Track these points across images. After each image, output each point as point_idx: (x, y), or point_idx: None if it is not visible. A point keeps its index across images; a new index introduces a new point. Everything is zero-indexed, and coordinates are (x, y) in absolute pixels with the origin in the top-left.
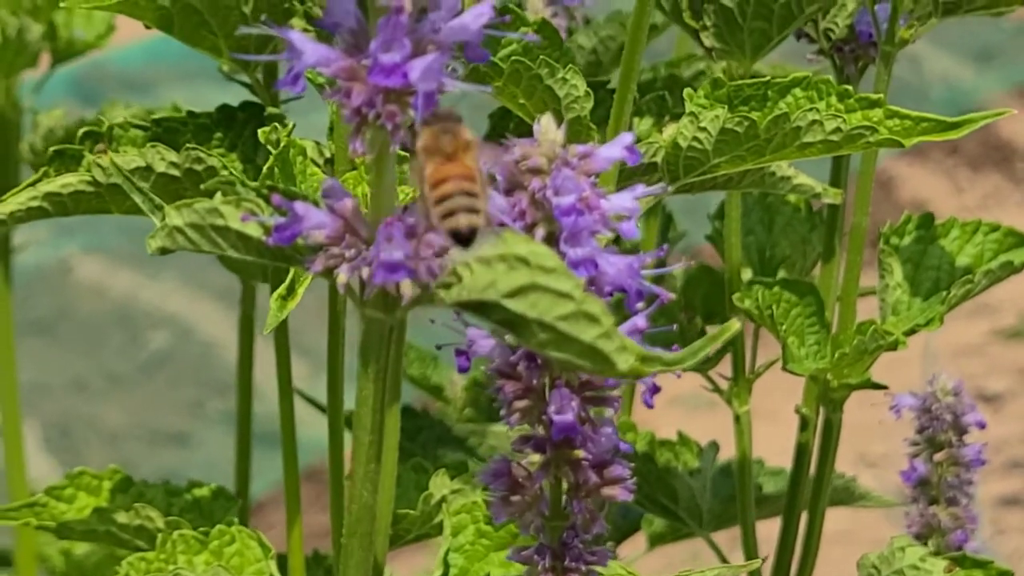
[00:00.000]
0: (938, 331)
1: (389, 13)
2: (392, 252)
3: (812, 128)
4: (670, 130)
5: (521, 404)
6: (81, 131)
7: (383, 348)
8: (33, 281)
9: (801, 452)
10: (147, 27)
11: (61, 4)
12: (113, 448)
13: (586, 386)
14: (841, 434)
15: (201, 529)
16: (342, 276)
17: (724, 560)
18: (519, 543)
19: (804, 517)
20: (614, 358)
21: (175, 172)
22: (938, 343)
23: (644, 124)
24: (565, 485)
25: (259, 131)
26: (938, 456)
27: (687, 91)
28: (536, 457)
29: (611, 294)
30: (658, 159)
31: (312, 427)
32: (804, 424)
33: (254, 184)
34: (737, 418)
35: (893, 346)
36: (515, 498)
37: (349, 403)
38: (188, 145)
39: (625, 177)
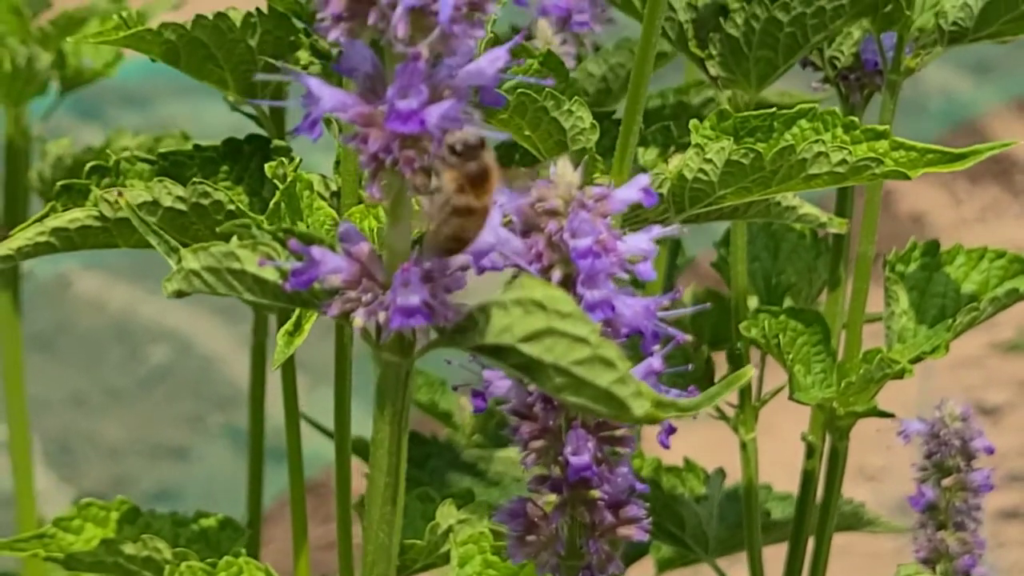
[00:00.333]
0: None
1: (407, 60)
2: (409, 297)
3: (818, 160)
4: (676, 161)
5: (537, 444)
6: (88, 165)
7: (399, 391)
8: (32, 296)
9: (807, 479)
10: (153, 60)
11: (69, 39)
12: (113, 463)
13: (602, 427)
14: None
15: (208, 560)
16: (359, 320)
17: None
18: (526, 573)
19: (810, 543)
20: (630, 403)
21: (182, 206)
22: None
23: (650, 154)
24: (581, 525)
25: (266, 166)
26: (946, 481)
27: (693, 122)
28: (552, 497)
29: (627, 336)
30: (664, 190)
31: (312, 440)
32: (810, 451)
33: (271, 227)
34: (743, 445)
35: (899, 375)
36: (531, 538)
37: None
38: (195, 179)
39: (633, 208)
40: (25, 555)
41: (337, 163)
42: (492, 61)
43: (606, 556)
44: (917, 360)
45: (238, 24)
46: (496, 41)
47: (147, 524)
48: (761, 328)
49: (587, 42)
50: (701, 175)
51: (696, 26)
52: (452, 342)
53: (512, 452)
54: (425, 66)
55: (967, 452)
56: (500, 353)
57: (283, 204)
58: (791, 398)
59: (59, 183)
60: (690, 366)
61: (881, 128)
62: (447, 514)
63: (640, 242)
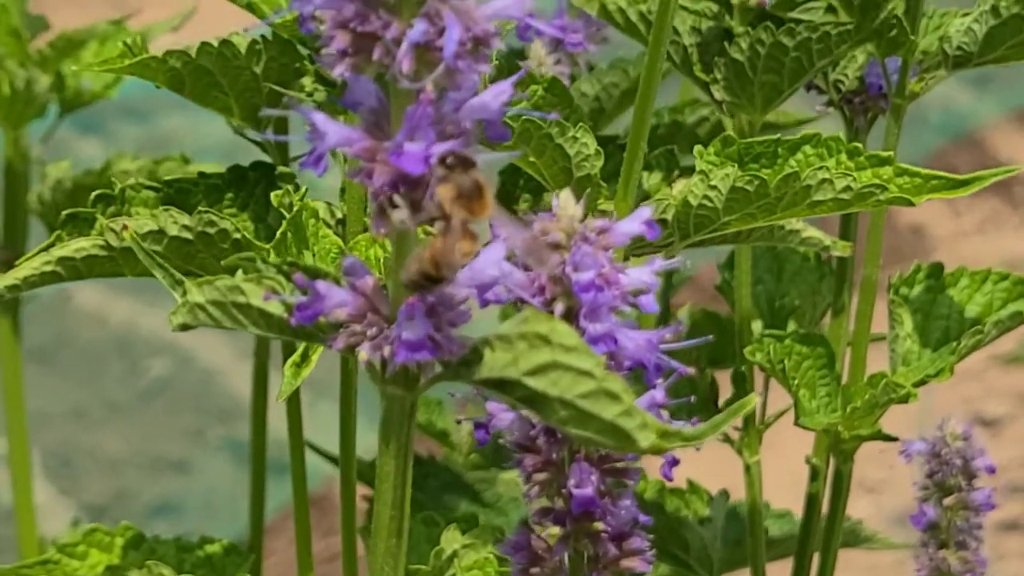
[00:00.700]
0: None
1: (417, 104)
2: (414, 331)
3: (822, 187)
4: (680, 187)
5: (541, 477)
6: (94, 194)
7: (404, 424)
8: (33, 309)
9: (812, 502)
10: (157, 87)
11: (72, 68)
12: (113, 476)
13: (606, 459)
14: None
15: None
16: (364, 354)
17: None
18: None
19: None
20: (635, 435)
21: (188, 235)
22: None
23: (653, 178)
24: (584, 557)
25: (272, 195)
26: (948, 500)
27: (697, 148)
28: (556, 530)
29: (630, 369)
30: (668, 216)
31: (312, 454)
32: (814, 474)
33: (277, 260)
34: (747, 468)
35: (904, 399)
36: (535, 570)
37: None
38: (200, 208)
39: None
40: None
41: (343, 191)
42: (497, 95)
43: None
44: (921, 383)
45: (243, 51)
46: (499, 69)
47: (151, 550)
48: (766, 352)
49: (581, 61)
50: (706, 201)
51: (700, 50)
52: (457, 375)
53: (510, 473)
54: (432, 107)
55: (968, 471)
56: (505, 387)
57: (289, 233)
58: (796, 423)
59: (64, 212)
60: (692, 398)
61: (885, 154)
62: (452, 539)
63: (642, 275)
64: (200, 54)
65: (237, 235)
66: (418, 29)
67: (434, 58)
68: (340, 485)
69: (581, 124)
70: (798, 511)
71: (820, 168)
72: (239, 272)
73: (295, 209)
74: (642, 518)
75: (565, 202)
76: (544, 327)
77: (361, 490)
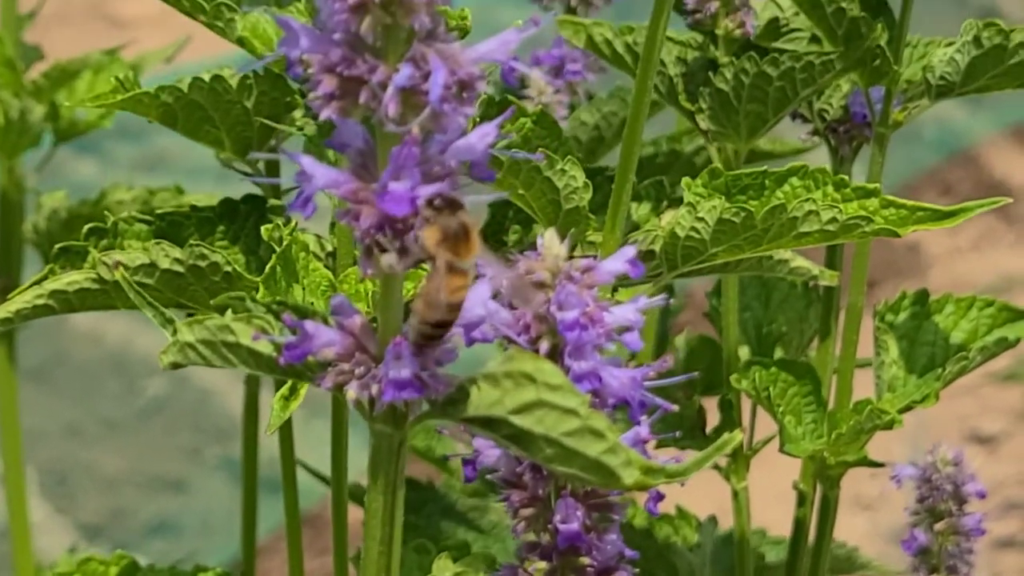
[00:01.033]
0: None
1: (402, 145)
2: (401, 370)
3: (809, 218)
4: (668, 218)
5: (527, 512)
6: (86, 228)
7: (392, 461)
8: (29, 328)
9: (799, 527)
10: (150, 121)
11: (65, 103)
12: (110, 495)
13: (591, 495)
14: None
15: None
16: (352, 393)
17: None
18: None
19: None
20: (619, 472)
21: (179, 268)
22: None
23: (642, 209)
24: None
25: (262, 229)
26: (938, 526)
27: (685, 180)
28: (542, 564)
29: (615, 406)
30: (656, 247)
31: (308, 473)
32: (801, 499)
33: (266, 299)
34: (735, 494)
35: (889, 425)
36: None
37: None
38: (192, 241)
39: None
40: None
41: (333, 224)
42: (482, 137)
43: None
44: (907, 409)
45: (234, 86)
46: (490, 103)
47: None
48: (752, 380)
49: (580, 91)
50: (693, 233)
51: (686, 80)
52: (444, 413)
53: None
54: (417, 148)
55: (959, 496)
56: (491, 424)
57: (279, 267)
58: (782, 450)
59: (57, 245)
60: (678, 433)
61: (871, 186)
62: (443, 567)
63: (627, 312)
64: (192, 89)
65: (228, 268)
66: (404, 74)
67: (420, 101)
68: (332, 507)
69: (569, 157)
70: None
71: (806, 200)
72: (228, 311)
73: (285, 243)
74: (628, 552)
75: (550, 241)
76: (529, 366)
77: (354, 512)
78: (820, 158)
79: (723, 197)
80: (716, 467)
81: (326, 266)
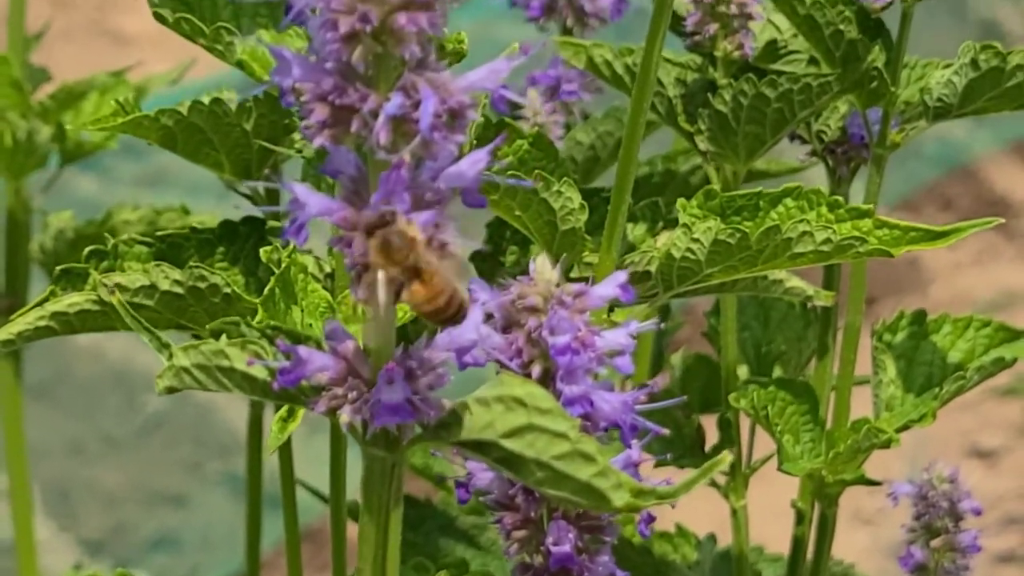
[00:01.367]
0: None
1: (390, 169)
2: (393, 394)
3: (803, 239)
4: (664, 239)
5: (520, 534)
6: (87, 250)
7: (385, 484)
8: (31, 345)
9: (797, 545)
10: (150, 143)
11: (67, 125)
12: (112, 510)
13: (583, 517)
14: None
15: None
16: (344, 417)
17: None
18: None
19: None
20: (610, 495)
21: (179, 290)
22: None
23: (638, 230)
24: None
25: (261, 251)
26: (935, 543)
27: (680, 201)
28: None
29: (606, 430)
30: (652, 268)
31: (312, 482)
32: (800, 518)
33: (260, 324)
34: (734, 512)
35: (886, 444)
36: None
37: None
38: (192, 263)
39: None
40: None
41: (331, 248)
42: (473, 163)
43: None
44: (904, 429)
45: (234, 109)
46: (487, 125)
47: None
48: (750, 399)
49: (576, 110)
50: (689, 254)
51: (685, 101)
52: (436, 437)
53: None
54: (408, 173)
55: (955, 513)
56: (483, 448)
57: (278, 289)
58: (780, 469)
59: (58, 267)
60: (668, 456)
61: (865, 207)
62: None
63: (618, 336)
64: (191, 112)
65: (227, 289)
66: (394, 102)
67: (411, 129)
68: (331, 524)
69: (566, 179)
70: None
71: (801, 221)
72: (223, 336)
73: (284, 265)
74: (619, 574)
75: (542, 266)
76: (520, 390)
77: (354, 528)
78: (819, 177)
79: (718, 218)
80: (714, 485)
81: (324, 287)
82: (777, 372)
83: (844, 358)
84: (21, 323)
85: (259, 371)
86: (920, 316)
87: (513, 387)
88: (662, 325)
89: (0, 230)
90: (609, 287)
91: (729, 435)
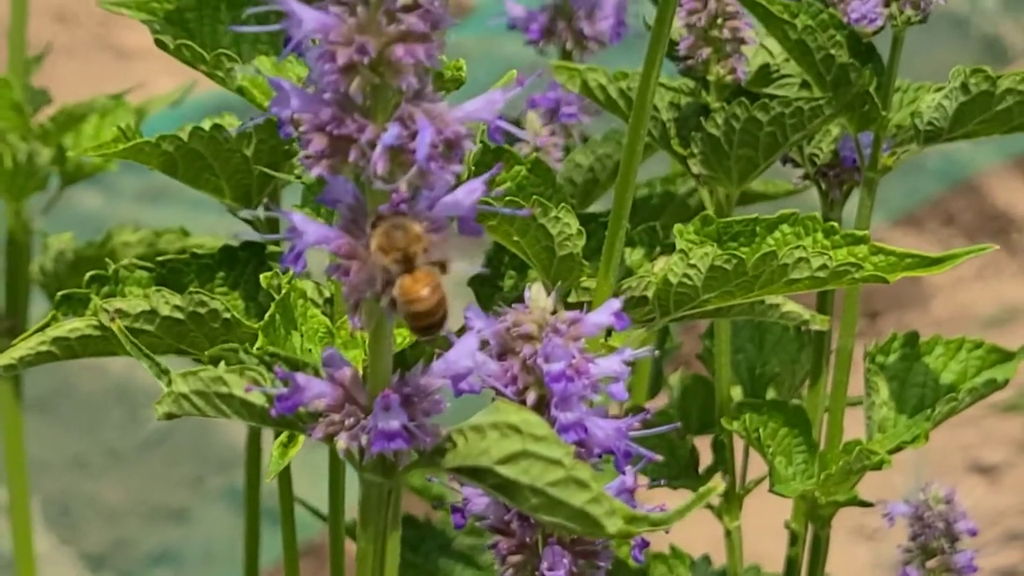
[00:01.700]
0: None
1: (389, 203)
2: (389, 421)
3: (799, 265)
4: (661, 264)
5: (515, 559)
6: (88, 275)
7: (382, 509)
8: None
9: (791, 566)
10: (151, 169)
11: (68, 152)
12: (113, 525)
13: (578, 542)
14: None
15: None
16: (341, 443)
17: None
18: None
19: None
20: (603, 521)
21: (179, 315)
22: None
23: (636, 254)
24: None
25: (261, 277)
26: (931, 563)
27: (677, 227)
28: None
29: (600, 456)
30: (649, 293)
31: (312, 499)
32: (793, 539)
33: (258, 351)
34: (728, 533)
35: (878, 466)
36: None
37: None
38: (192, 288)
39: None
40: None
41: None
42: (469, 193)
43: None
44: (897, 450)
45: (234, 135)
46: (485, 150)
47: None
48: (743, 422)
49: (575, 133)
50: (685, 280)
51: (678, 125)
52: (432, 463)
53: None
54: (404, 204)
55: (951, 534)
56: (478, 474)
57: (278, 315)
58: (771, 490)
59: (59, 293)
60: (663, 481)
61: (860, 233)
62: None
63: (612, 364)
64: (192, 138)
65: (227, 314)
66: (391, 133)
67: (407, 160)
68: (329, 542)
69: (564, 204)
70: None
71: (797, 247)
72: (222, 363)
73: (283, 291)
74: None
75: (537, 294)
76: (515, 417)
77: (353, 546)
78: (813, 199)
79: (715, 244)
80: (709, 506)
81: (324, 312)
82: (771, 394)
83: (836, 381)
84: (22, 348)
85: (257, 398)
86: (913, 338)
87: (508, 414)
88: (663, 346)
89: (0, 251)
90: (603, 315)
91: (723, 457)
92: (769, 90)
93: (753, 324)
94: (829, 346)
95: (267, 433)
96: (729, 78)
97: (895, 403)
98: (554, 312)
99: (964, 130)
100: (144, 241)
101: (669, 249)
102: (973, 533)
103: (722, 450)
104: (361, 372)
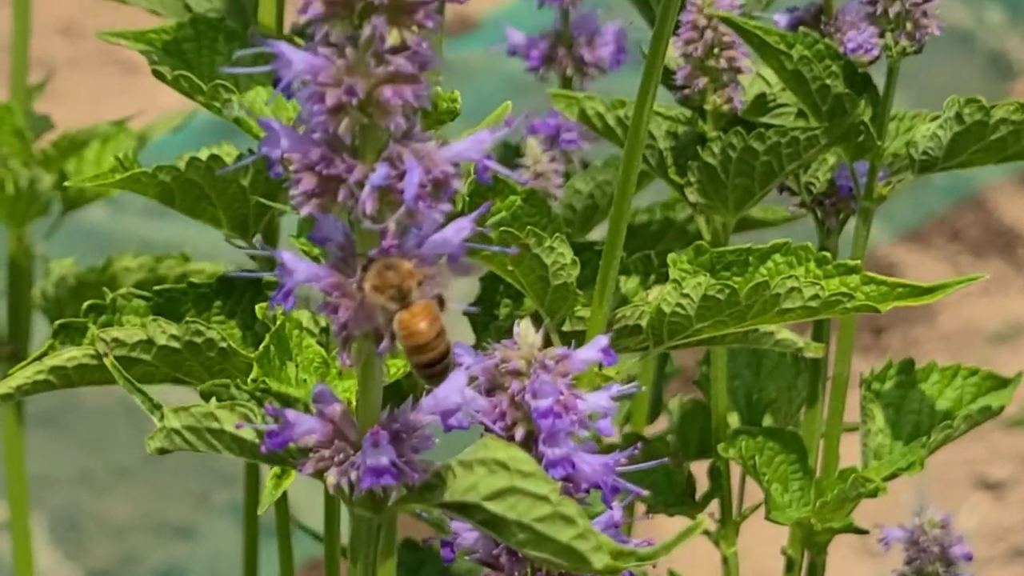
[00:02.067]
0: None
1: (377, 240)
2: (379, 458)
3: (791, 295)
4: (655, 293)
5: None
6: (86, 304)
7: (372, 543)
8: None
9: None
10: (149, 199)
11: (67, 183)
12: (119, 540)
13: None
14: None
15: None
16: (331, 479)
17: None
18: None
19: None
20: (590, 557)
21: (176, 344)
22: None
23: (631, 283)
24: None
25: (256, 307)
26: None
27: (671, 256)
28: None
29: (587, 491)
30: (643, 322)
31: (313, 517)
32: (790, 565)
33: (252, 383)
34: (725, 559)
35: (873, 493)
36: None
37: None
38: (189, 317)
39: (614, 339)
40: None
41: None
42: (458, 231)
43: None
44: (892, 477)
45: (231, 169)
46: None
47: None
48: (739, 448)
49: (575, 159)
50: (679, 309)
51: (675, 153)
52: (421, 499)
53: None
54: (393, 246)
55: (947, 559)
56: (466, 510)
57: (273, 346)
58: (767, 518)
59: (56, 322)
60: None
61: (853, 263)
62: None
63: (600, 400)
64: (189, 168)
65: (223, 344)
66: (380, 173)
67: (396, 199)
68: (324, 565)
69: (558, 235)
70: None
71: (789, 277)
72: (213, 398)
73: (279, 323)
74: None
75: (525, 331)
76: (502, 453)
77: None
78: (810, 226)
79: (708, 274)
80: (705, 532)
81: (319, 342)
82: (768, 420)
83: (832, 408)
84: (20, 377)
85: (248, 433)
86: (908, 365)
87: (496, 450)
88: (663, 370)
89: (2, 276)
90: (592, 351)
91: (719, 483)
92: (765, 119)
93: (750, 350)
94: (825, 372)
95: None
96: (726, 107)
97: (891, 430)
98: (543, 348)
99: (959, 159)
100: (144, 267)
101: (664, 277)
102: (968, 558)
103: (718, 476)
104: (354, 405)
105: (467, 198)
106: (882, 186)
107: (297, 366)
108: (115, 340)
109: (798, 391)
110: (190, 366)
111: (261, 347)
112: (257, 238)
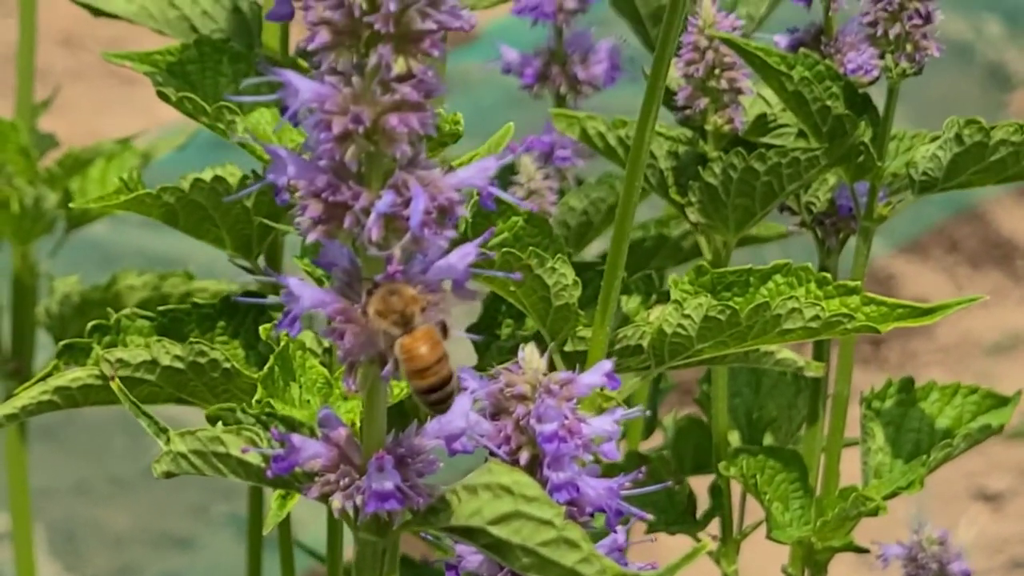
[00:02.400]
0: None
1: (382, 266)
2: (383, 482)
3: (792, 316)
4: (656, 313)
5: None
6: (90, 325)
7: (376, 567)
8: None
9: None
10: (152, 219)
11: (71, 205)
12: (118, 552)
13: None
14: None
15: None
16: (336, 503)
17: None
18: None
19: None
20: None
21: (180, 365)
22: None
23: (632, 302)
24: None
25: (260, 328)
26: None
27: (672, 278)
28: None
29: (592, 515)
30: (644, 343)
31: (314, 529)
32: None
33: (257, 405)
34: None
35: (874, 512)
36: None
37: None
38: (192, 338)
39: (616, 360)
40: None
41: None
42: (463, 257)
43: None
44: (892, 496)
45: (234, 186)
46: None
47: None
48: (740, 467)
49: (570, 176)
50: (680, 330)
51: (676, 173)
52: (425, 523)
53: None
54: (399, 272)
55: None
56: (470, 534)
57: (276, 367)
58: (769, 537)
59: (61, 343)
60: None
61: (853, 284)
62: None
63: (604, 423)
64: (193, 189)
65: (227, 364)
66: (385, 200)
67: (401, 226)
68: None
69: (559, 255)
70: None
71: (790, 298)
72: (219, 422)
73: (283, 344)
74: None
75: (530, 355)
76: (507, 478)
77: None
78: (809, 242)
79: (709, 294)
80: (707, 551)
81: (323, 362)
82: (768, 438)
83: (833, 426)
84: (24, 398)
85: (254, 458)
86: (908, 383)
87: (500, 475)
88: (658, 386)
89: (7, 293)
90: (596, 376)
91: (720, 502)
92: (766, 140)
93: (750, 369)
94: (826, 390)
95: None
96: (727, 128)
97: (891, 448)
98: (547, 372)
99: (959, 180)
100: (149, 285)
101: (665, 297)
102: (967, 574)
103: (719, 495)
104: (358, 426)
105: (469, 220)
106: (882, 206)
107: (301, 387)
108: (119, 360)
109: (798, 409)
110: (194, 386)
111: (265, 368)
112: (261, 261)
